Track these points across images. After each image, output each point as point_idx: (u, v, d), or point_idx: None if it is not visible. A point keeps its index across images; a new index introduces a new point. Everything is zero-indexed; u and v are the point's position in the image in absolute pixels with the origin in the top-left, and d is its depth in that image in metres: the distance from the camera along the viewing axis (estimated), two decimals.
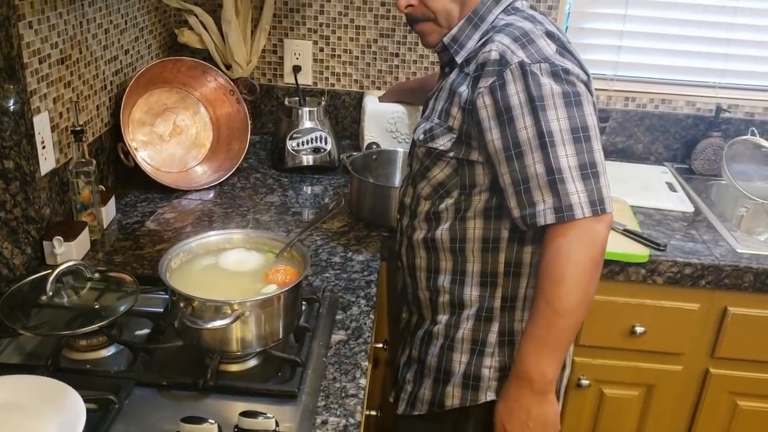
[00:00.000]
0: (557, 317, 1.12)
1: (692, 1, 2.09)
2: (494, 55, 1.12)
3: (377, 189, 1.68)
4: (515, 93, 1.10)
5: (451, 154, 1.22)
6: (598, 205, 1.08)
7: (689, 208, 1.88)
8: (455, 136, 1.21)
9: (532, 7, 1.26)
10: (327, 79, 2.20)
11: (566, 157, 1.08)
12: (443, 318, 1.32)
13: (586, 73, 1.17)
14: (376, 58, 2.17)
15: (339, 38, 2.15)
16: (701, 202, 1.93)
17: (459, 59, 1.24)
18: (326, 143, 1.94)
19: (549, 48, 1.13)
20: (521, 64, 1.10)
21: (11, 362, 1.15)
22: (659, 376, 1.74)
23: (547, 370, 1.15)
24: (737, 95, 2.15)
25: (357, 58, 2.17)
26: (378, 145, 1.97)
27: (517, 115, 1.10)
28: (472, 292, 1.28)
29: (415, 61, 2.16)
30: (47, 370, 1.08)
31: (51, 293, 1.16)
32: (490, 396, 1.27)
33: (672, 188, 2.00)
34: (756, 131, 2.05)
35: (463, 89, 1.18)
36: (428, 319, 1.37)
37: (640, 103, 2.17)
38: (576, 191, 1.08)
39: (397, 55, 2.16)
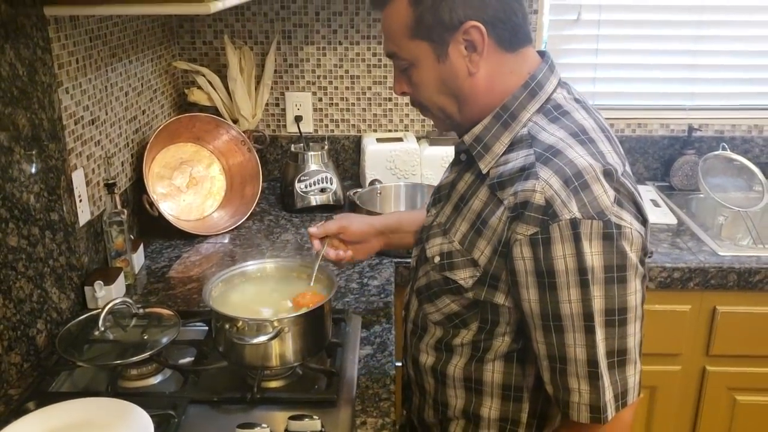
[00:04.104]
0: None
1: (658, 33, 2.27)
2: (539, 199, 0.93)
3: None
4: (561, 257, 0.92)
5: (470, 294, 1.05)
6: (620, 399, 0.98)
7: (673, 221, 2.03)
8: (479, 275, 1.03)
9: (576, 100, 1.06)
10: (327, 126, 2.36)
11: (602, 341, 0.95)
12: None
13: (644, 217, 1.00)
14: (371, 103, 2.33)
15: (336, 88, 2.31)
16: (683, 215, 2.08)
17: (484, 167, 1.05)
18: (332, 183, 2.08)
19: (605, 196, 0.93)
20: (573, 223, 0.91)
21: (72, 391, 1.26)
22: (660, 377, 1.85)
23: None
24: (706, 115, 2.32)
25: (353, 104, 2.33)
26: (380, 182, 2.11)
27: (561, 284, 0.93)
28: None
29: (406, 104, 2.32)
30: (108, 394, 1.18)
31: (103, 328, 1.27)
32: None
33: (656, 204, 2.14)
34: (726, 146, 2.21)
35: (495, 222, 0.99)
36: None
37: (618, 129, 2.34)
38: (607, 385, 0.97)
39: (390, 99, 2.32)
